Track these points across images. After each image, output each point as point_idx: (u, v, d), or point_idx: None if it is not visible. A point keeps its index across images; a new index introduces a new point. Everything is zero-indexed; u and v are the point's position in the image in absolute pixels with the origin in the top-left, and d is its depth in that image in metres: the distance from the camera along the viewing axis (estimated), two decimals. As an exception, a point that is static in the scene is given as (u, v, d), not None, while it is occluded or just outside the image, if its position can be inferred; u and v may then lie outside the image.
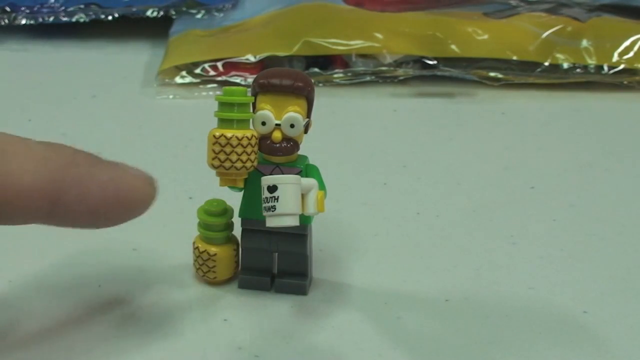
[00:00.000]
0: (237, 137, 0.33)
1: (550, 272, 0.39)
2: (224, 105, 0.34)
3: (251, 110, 0.34)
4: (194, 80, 0.58)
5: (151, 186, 0.30)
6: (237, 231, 0.37)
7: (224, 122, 0.34)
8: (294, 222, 0.33)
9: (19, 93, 0.59)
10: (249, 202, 0.35)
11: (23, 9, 0.66)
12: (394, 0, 0.65)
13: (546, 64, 0.58)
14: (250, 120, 0.34)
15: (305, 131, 0.35)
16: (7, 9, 0.66)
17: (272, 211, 0.33)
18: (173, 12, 0.66)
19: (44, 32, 0.67)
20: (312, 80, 0.35)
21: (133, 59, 0.64)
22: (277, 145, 0.34)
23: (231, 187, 0.35)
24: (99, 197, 0.29)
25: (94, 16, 0.66)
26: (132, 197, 0.30)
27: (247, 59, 0.59)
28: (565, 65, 0.58)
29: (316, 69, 0.59)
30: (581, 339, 0.34)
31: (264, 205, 0.33)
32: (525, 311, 0.36)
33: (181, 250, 0.39)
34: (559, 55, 0.59)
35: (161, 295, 0.37)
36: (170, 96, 0.57)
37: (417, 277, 0.38)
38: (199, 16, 0.66)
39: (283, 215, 0.33)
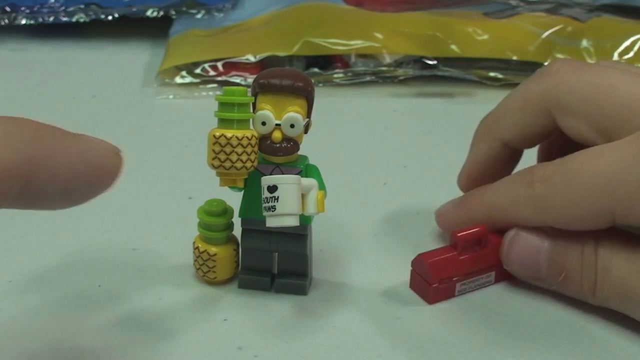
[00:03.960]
0: (237, 137, 0.33)
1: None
2: (224, 105, 0.34)
3: (251, 110, 0.34)
4: (194, 80, 0.58)
5: (118, 156, 0.28)
6: (237, 231, 0.37)
7: (224, 122, 0.34)
8: (294, 222, 0.33)
9: (19, 93, 0.59)
10: (249, 202, 0.35)
11: (23, 9, 0.66)
12: (394, 0, 0.65)
13: (546, 64, 0.58)
14: (250, 120, 0.34)
15: (306, 131, 0.35)
16: (7, 9, 0.66)
17: (272, 211, 0.33)
18: (173, 12, 0.66)
19: (44, 32, 0.67)
20: (312, 80, 0.35)
21: (133, 59, 0.64)
22: (277, 145, 0.34)
23: (231, 187, 0.35)
24: (70, 172, 0.26)
25: (94, 16, 0.66)
26: (102, 170, 0.27)
27: (247, 59, 0.59)
28: (566, 65, 0.58)
29: (316, 69, 0.59)
30: (581, 339, 0.34)
31: (264, 205, 0.33)
32: (525, 311, 0.36)
33: (181, 250, 0.39)
34: (559, 55, 0.59)
35: (161, 295, 0.37)
36: (170, 96, 0.57)
37: (417, 277, 0.38)
38: (199, 16, 0.66)
39: (283, 215, 0.33)
